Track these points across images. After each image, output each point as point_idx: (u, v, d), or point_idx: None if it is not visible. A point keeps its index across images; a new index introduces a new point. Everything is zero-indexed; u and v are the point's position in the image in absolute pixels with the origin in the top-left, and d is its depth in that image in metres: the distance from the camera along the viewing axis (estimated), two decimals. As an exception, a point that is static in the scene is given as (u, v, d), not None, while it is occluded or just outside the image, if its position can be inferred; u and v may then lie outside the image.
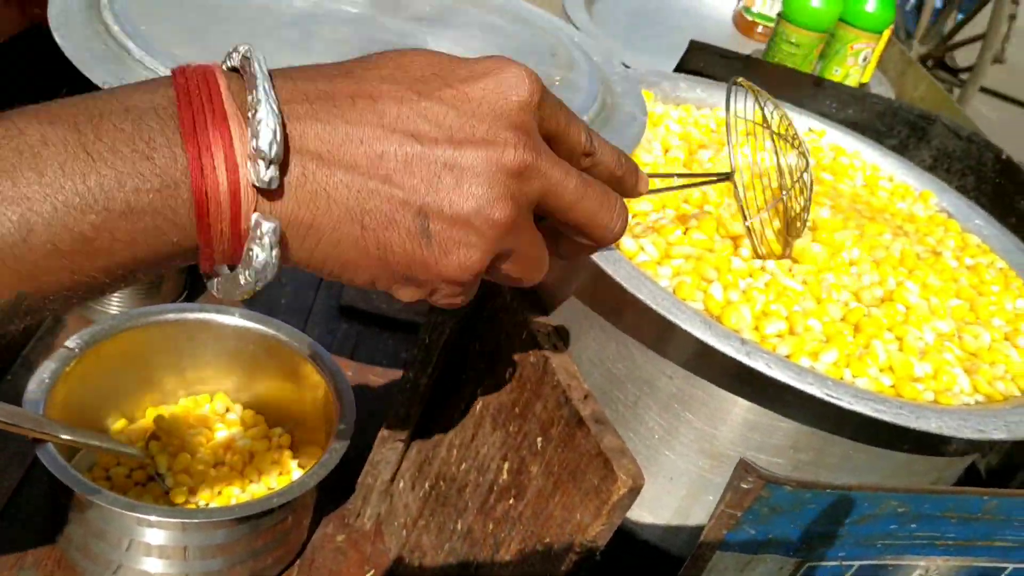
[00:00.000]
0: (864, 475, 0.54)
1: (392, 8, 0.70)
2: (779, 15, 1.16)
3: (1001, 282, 0.66)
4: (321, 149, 0.33)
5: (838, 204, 0.69)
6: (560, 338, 0.58)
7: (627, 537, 0.57)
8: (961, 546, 0.49)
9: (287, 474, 0.72)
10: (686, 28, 1.28)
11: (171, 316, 0.71)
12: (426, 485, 0.67)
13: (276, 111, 0.32)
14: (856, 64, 1.18)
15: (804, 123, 0.83)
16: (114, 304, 0.82)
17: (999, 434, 0.50)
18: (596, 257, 0.52)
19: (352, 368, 0.87)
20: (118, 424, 0.72)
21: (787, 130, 0.61)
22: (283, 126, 0.32)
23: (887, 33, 1.22)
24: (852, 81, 1.19)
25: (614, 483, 0.49)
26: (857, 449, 0.53)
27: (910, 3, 2.89)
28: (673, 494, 0.57)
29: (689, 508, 0.57)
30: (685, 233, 0.59)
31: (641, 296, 0.50)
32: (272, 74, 0.33)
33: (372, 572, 0.70)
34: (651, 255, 0.57)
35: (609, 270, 0.51)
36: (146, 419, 0.73)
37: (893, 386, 0.53)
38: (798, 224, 0.59)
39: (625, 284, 0.51)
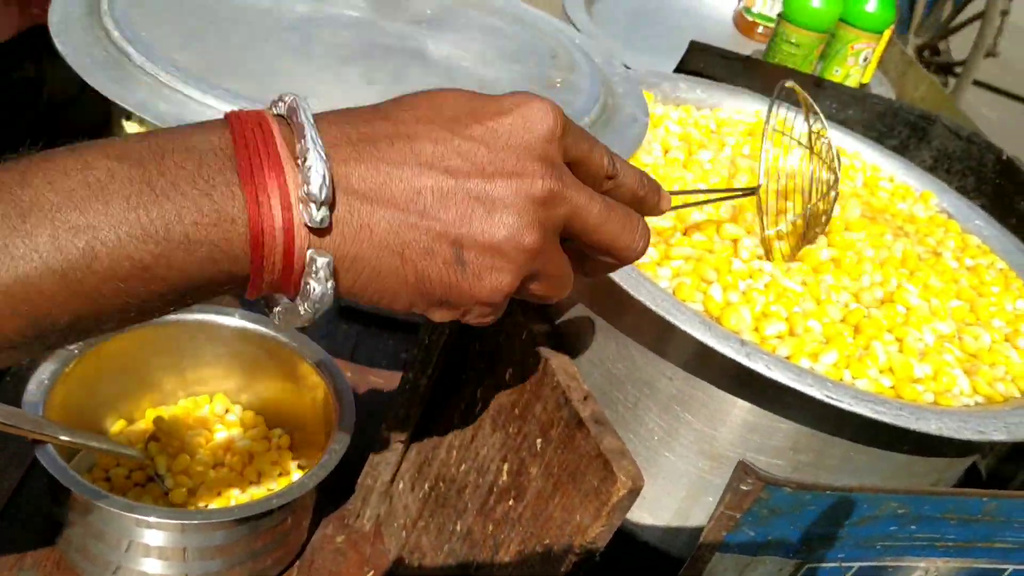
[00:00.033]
0: (864, 476, 0.54)
1: (392, 11, 0.70)
2: (779, 15, 1.16)
3: (1001, 283, 0.66)
4: (364, 188, 0.36)
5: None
6: (560, 339, 0.58)
7: (627, 538, 0.57)
8: (961, 547, 0.49)
9: (286, 475, 0.72)
10: (686, 28, 1.28)
11: (170, 317, 0.71)
12: (426, 486, 0.67)
13: (324, 157, 0.34)
14: (856, 64, 1.18)
15: (805, 125, 0.82)
16: (114, 305, 0.82)
17: (999, 435, 0.50)
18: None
19: (352, 369, 0.87)
20: (117, 425, 0.72)
21: (822, 137, 0.62)
22: (330, 171, 0.34)
23: (888, 33, 1.22)
24: (852, 81, 1.19)
25: (614, 484, 0.49)
26: (857, 450, 0.53)
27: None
28: (673, 495, 0.57)
29: (689, 509, 0.57)
30: (685, 234, 0.59)
31: (641, 297, 0.50)
32: (317, 119, 0.36)
33: (372, 573, 0.70)
34: (651, 256, 0.57)
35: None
36: (145, 420, 0.73)
37: (893, 387, 0.53)
38: (813, 233, 0.59)
39: (625, 285, 0.51)
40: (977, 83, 3.11)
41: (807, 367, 0.52)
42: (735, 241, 0.59)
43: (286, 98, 0.36)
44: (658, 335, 0.53)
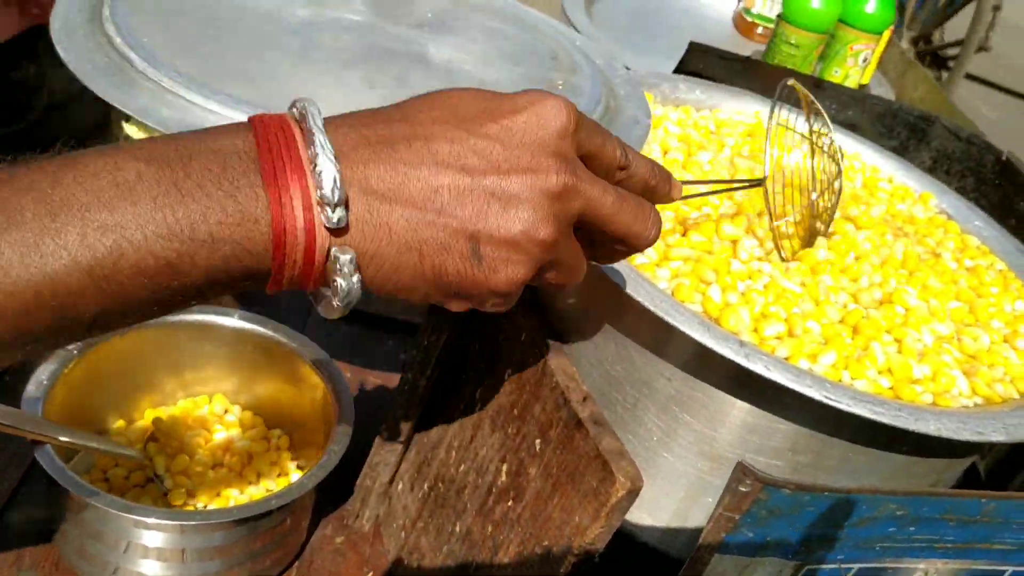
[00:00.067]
0: (863, 477, 0.54)
1: (393, 15, 0.70)
2: (779, 16, 1.16)
3: (1000, 284, 0.66)
4: (383, 188, 0.37)
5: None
6: (559, 340, 0.58)
7: (626, 539, 0.57)
8: (960, 549, 0.49)
9: (285, 476, 0.72)
10: (685, 29, 1.28)
11: (170, 318, 0.71)
12: (425, 487, 0.67)
13: (333, 160, 0.36)
14: (856, 65, 1.18)
15: (805, 126, 0.82)
16: (113, 305, 0.82)
17: (998, 436, 0.50)
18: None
19: (351, 369, 0.87)
20: (116, 426, 0.72)
21: (824, 136, 0.62)
22: (340, 174, 0.36)
23: (887, 34, 1.22)
24: (852, 82, 1.19)
25: (613, 485, 0.49)
26: (856, 451, 0.53)
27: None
28: (672, 496, 0.57)
29: (688, 510, 0.57)
30: (684, 235, 0.59)
31: (640, 298, 0.50)
32: (337, 123, 0.37)
33: (371, 574, 0.70)
34: (650, 257, 0.57)
35: (607, 272, 0.51)
36: (144, 421, 0.73)
37: (892, 388, 0.53)
38: (819, 227, 0.59)
39: (623, 286, 0.51)
40: (978, 79, 3.14)
41: (806, 368, 0.52)
42: (734, 242, 0.59)
43: (298, 104, 0.37)
44: (657, 336, 0.53)
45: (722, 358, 0.48)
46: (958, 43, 2.78)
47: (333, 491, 0.71)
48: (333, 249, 0.36)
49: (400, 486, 0.70)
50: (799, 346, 0.52)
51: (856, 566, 0.49)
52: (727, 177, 0.67)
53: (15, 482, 0.68)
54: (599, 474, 0.50)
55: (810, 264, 0.59)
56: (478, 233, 0.38)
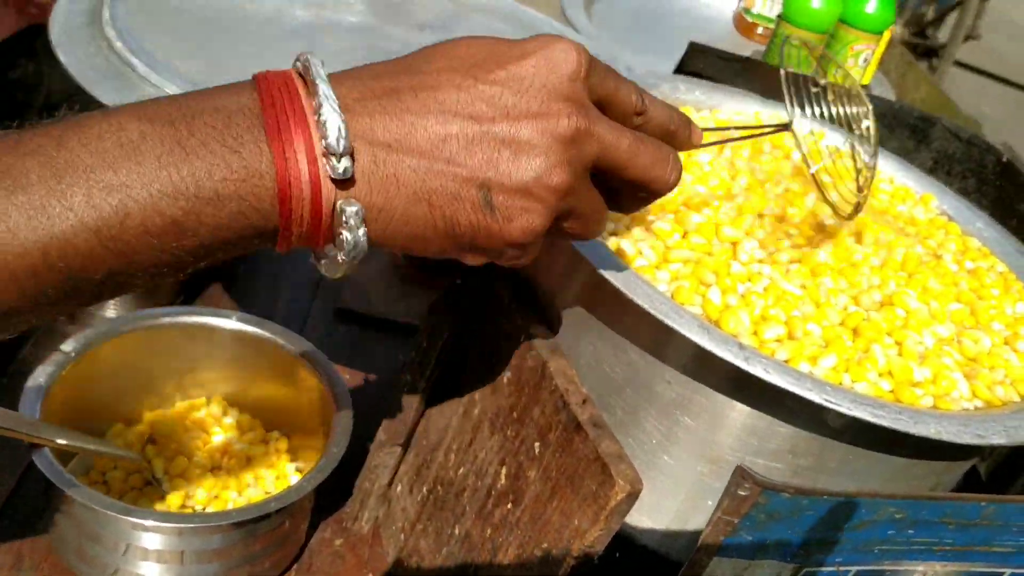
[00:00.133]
0: (864, 479, 0.54)
1: (394, 17, 0.70)
2: (779, 16, 1.15)
3: (1001, 286, 0.66)
4: (389, 139, 0.36)
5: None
6: (558, 342, 0.58)
7: (626, 542, 0.57)
8: (959, 551, 0.49)
9: (284, 478, 0.71)
10: (685, 29, 1.28)
11: (168, 320, 0.71)
12: (424, 489, 0.67)
13: (337, 110, 0.35)
14: (856, 66, 1.18)
15: (803, 126, 0.82)
16: (111, 308, 0.82)
17: (998, 439, 0.50)
18: (594, 261, 0.52)
19: (349, 372, 0.87)
20: (115, 428, 0.71)
21: (844, 79, 0.59)
22: (346, 123, 0.35)
23: (887, 34, 1.22)
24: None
25: (612, 488, 0.49)
26: (856, 454, 0.53)
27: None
28: (672, 499, 0.57)
29: (688, 513, 0.57)
30: (684, 237, 0.59)
31: (639, 300, 0.50)
32: (341, 77, 0.37)
33: (370, 576, 0.70)
34: (649, 259, 0.57)
35: (607, 274, 0.51)
36: (143, 423, 0.73)
37: (892, 391, 0.53)
38: (865, 173, 0.56)
39: (623, 288, 0.50)
40: (972, 68, 3.17)
41: (806, 371, 0.52)
42: (734, 244, 0.59)
43: (301, 57, 0.37)
44: (656, 338, 0.53)
45: (722, 361, 0.48)
46: (943, 46, 2.83)
47: (332, 493, 0.71)
48: (339, 202, 0.36)
49: (399, 488, 0.70)
50: (799, 349, 0.52)
51: (855, 569, 0.49)
52: (725, 178, 0.67)
53: (13, 485, 0.68)
54: (598, 477, 0.50)
55: (810, 266, 0.59)
56: (489, 181, 0.37)
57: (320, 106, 0.35)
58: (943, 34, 2.93)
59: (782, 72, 0.59)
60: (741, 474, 0.43)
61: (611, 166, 0.41)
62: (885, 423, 0.48)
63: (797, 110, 0.57)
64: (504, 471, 0.58)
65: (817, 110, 0.60)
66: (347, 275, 0.39)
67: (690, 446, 0.55)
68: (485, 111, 0.37)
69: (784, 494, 0.43)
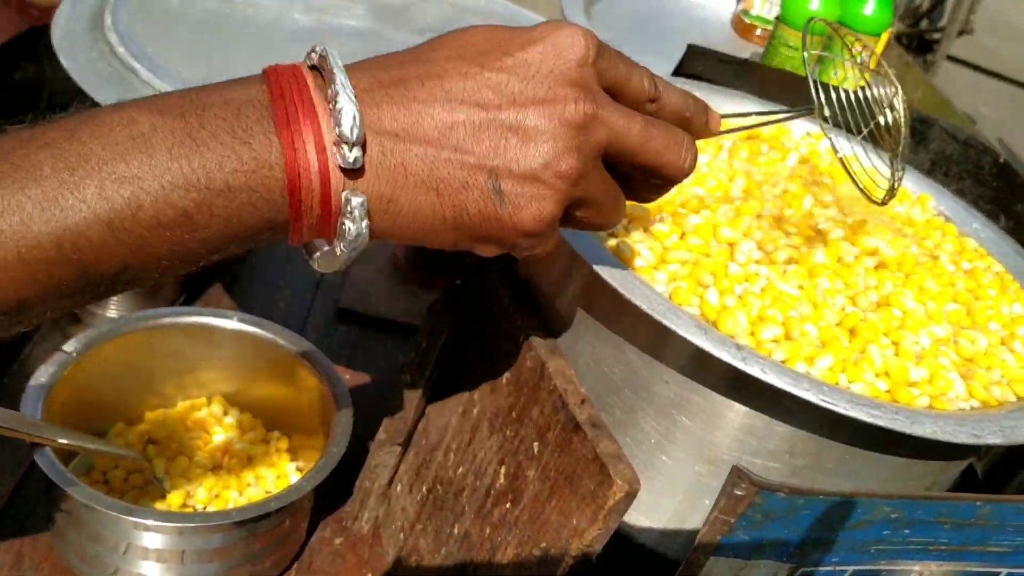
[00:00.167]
0: (861, 479, 0.54)
1: (394, 21, 0.71)
2: (777, 18, 1.16)
3: (998, 286, 0.66)
4: (396, 128, 0.36)
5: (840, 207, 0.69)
6: (557, 343, 0.58)
7: (624, 541, 0.58)
8: (955, 551, 0.49)
9: (284, 478, 0.72)
10: (684, 31, 1.28)
11: (169, 320, 0.72)
12: (423, 489, 0.67)
13: (353, 99, 0.35)
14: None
15: (803, 127, 0.83)
16: (112, 308, 0.83)
17: (994, 439, 0.50)
18: (592, 262, 0.52)
19: (349, 372, 0.87)
20: (116, 428, 0.72)
21: (870, 59, 0.57)
22: (360, 112, 0.35)
23: (886, 36, 1.22)
24: (851, 84, 1.19)
25: (610, 488, 0.49)
26: (853, 454, 0.53)
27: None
28: (670, 498, 0.57)
29: (686, 512, 0.57)
30: (681, 238, 0.59)
31: (637, 301, 0.50)
32: (350, 67, 0.37)
33: (370, 575, 0.70)
34: (647, 260, 0.57)
35: (605, 275, 0.51)
36: (144, 423, 0.73)
37: (889, 391, 0.53)
38: (895, 158, 0.54)
39: (621, 289, 0.51)
40: (968, 64, 3.20)
41: (803, 371, 0.52)
42: (732, 245, 0.59)
43: (317, 48, 0.37)
44: (654, 339, 0.54)
45: (719, 361, 0.49)
46: (937, 41, 2.85)
47: (332, 493, 0.71)
48: (345, 192, 0.36)
49: (399, 488, 0.71)
50: (796, 349, 0.53)
51: (852, 568, 0.49)
52: (724, 180, 0.68)
53: (14, 484, 0.69)
54: (597, 477, 0.50)
55: (807, 267, 0.59)
56: (497, 169, 0.37)
57: (336, 95, 0.35)
58: (937, 22, 2.96)
59: (804, 55, 0.58)
60: (737, 474, 0.44)
61: (622, 152, 0.40)
62: (882, 423, 0.48)
63: (823, 95, 0.55)
64: (503, 471, 0.59)
65: (843, 95, 0.58)
66: (341, 270, 0.39)
67: (688, 446, 0.55)
68: (492, 98, 0.37)
69: (780, 494, 0.44)
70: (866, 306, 0.58)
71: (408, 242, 0.39)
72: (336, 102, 0.35)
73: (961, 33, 2.84)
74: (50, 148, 0.34)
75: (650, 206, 0.62)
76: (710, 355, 0.49)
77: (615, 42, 0.42)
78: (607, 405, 0.56)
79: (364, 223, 0.36)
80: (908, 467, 0.55)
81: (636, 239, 0.58)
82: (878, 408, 0.49)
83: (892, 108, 0.56)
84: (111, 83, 0.52)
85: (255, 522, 0.61)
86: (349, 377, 0.86)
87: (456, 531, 0.62)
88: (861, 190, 0.54)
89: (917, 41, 3.02)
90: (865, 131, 0.56)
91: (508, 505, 0.58)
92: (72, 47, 0.54)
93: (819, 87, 0.54)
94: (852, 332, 0.55)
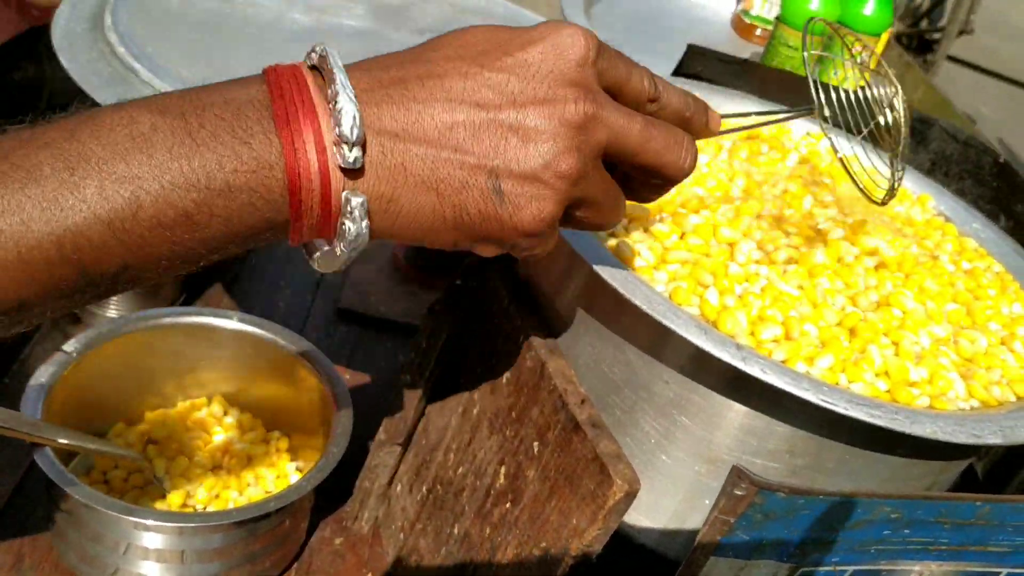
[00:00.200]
0: (861, 479, 0.54)
1: (395, 22, 0.71)
2: (777, 18, 1.16)
3: (998, 286, 0.66)
4: (396, 128, 0.36)
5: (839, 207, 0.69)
6: (557, 343, 0.58)
7: (624, 541, 0.58)
8: (955, 551, 0.49)
9: (284, 477, 0.72)
10: (684, 31, 1.28)
11: (169, 320, 0.72)
12: (423, 489, 0.67)
13: (353, 99, 0.35)
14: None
15: (803, 127, 0.83)
16: (112, 308, 0.83)
17: (994, 439, 0.50)
18: (592, 262, 0.52)
19: (349, 371, 0.87)
20: (116, 428, 0.72)
21: (870, 59, 0.57)
22: (360, 112, 0.35)
23: (886, 36, 1.22)
24: (851, 84, 1.19)
25: (610, 488, 0.49)
26: (853, 454, 0.53)
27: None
28: (670, 498, 0.57)
29: (686, 512, 0.57)
30: (681, 238, 0.59)
31: (637, 301, 0.50)
32: (350, 67, 0.37)
33: (369, 575, 0.70)
34: (647, 260, 0.57)
35: (605, 275, 0.51)
36: (144, 423, 0.73)
37: (889, 391, 0.53)
38: (895, 158, 0.55)
39: (621, 289, 0.51)
40: (970, 65, 3.21)
41: (803, 371, 0.52)
42: (732, 245, 0.59)
43: (317, 48, 0.37)
44: (654, 339, 0.54)
45: (719, 361, 0.49)
46: (938, 40, 2.86)
47: (332, 493, 0.71)
48: (345, 192, 0.36)
49: (399, 488, 0.71)
50: (796, 349, 0.53)
51: (851, 568, 0.49)
52: (724, 180, 0.68)
53: (14, 484, 0.69)
54: (597, 477, 0.50)
55: (807, 267, 0.59)
56: (497, 168, 0.37)
57: (336, 95, 0.35)
58: (937, 22, 2.96)
59: (804, 55, 0.58)
60: (737, 474, 0.44)
61: (622, 152, 0.40)
62: (881, 423, 0.48)
63: (822, 95, 0.55)
64: (503, 471, 0.59)
65: (843, 95, 0.58)
66: (341, 270, 0.39)
67: (688, 446, 0.55)
68: (492, 98, 0.37)
69: (780, 494, 0.44)
70: (866, 306, 0.58)
71: (408, 242, 0.39)
72: (336, 102, 0.35)
73: (961, 33, 2.85)
74: (50, 148, 0.34)
75: (650, 206, 0.62)
76: (710, 355, 0.49)
77: (615, 42, 0.42)
78: (607, 405, 0.56)
79: (364, 223, 0.36)
80: (908, 467, 0.55)
81: (636, 239, 0.58)
82: (878, 408, 0.49)
83: (892, 108, 0.56)
84: (111, 83, 0.52)
85: (255, 522, 0.61)
86: (349, 377, 0.86)
87: (456, 531, 0.62)
88: (861, 190, 0.54)
89: (917, 41, 3.03)
90: (865, 131, 0.55)
91: (508, 505, 0.58)
92: (72, 47, 0.54)
93: (819, 87, 0.54)
94: (852, 332, 0.55)
